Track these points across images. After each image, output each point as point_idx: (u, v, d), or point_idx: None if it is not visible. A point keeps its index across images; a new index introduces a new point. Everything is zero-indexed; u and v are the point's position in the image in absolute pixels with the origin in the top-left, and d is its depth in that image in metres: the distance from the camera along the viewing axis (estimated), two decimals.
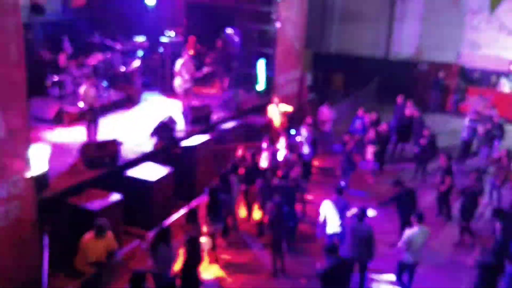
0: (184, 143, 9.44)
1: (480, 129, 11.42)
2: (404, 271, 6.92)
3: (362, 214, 6.67)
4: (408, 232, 6.72)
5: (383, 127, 11.09)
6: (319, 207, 9.18)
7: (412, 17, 17.42)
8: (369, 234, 6.62)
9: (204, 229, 7.28)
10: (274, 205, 7.24)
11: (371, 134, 10.82)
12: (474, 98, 14.16)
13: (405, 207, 7.80)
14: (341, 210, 7.26)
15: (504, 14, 14.77)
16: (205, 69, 12.03)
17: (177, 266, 6.27)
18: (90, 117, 8.98)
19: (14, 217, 6.12)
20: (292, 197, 8.08)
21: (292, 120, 12.00)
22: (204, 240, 7.18)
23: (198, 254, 6.39)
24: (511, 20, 15.27)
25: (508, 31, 15.38)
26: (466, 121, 11.77)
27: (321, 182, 10.48)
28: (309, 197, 9.57)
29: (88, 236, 6.11)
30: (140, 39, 12.58)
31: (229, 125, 10.65)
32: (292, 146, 10.10)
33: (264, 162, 9.26)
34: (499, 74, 16.07)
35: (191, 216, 6.97)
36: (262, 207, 8.34)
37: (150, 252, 6.21)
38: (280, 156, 9.63)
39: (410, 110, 12.08)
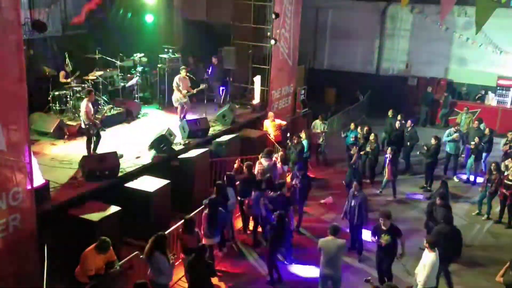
0: (182, 156, 9.58)
1: (470, 142, 11.72)
2: None
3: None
4: (431, 261, 6.52)
5: (371, 138, 11.39)
6: (313, 218, 9.42)
7: (401, 34, 17.96)
8: None
9: (202, 241, 7.31)
10: (277, 217, 7.37)
11: (371, 146, 11.13)
12: (460, 113, 14.61)
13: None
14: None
15: (490, 31, 15.24)
16: (202, 85, 12.29)
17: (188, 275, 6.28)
18: (90, 131, 9.09)
19: (14, 229, 6.11)
20: (286, 209, 8.21)
21: (286, 134, 12.25)
22: None
23: (207, 263, 6.42)
24: (497, 37, 15.78)
25: (494, 47, 15.87)
26: (451, 135, 12.02)
27: (315, 194, 10.63)
28: (304, 208, 9.71)
29: (89, 249, 6.16)
30: (139, 55, 12.84)
31: (225, 138, 10.80)
32: (286, 159, 10.31)
33: (259, 174, 9.39)
34: (486, 89, 16.57)
35: (188, 226, 7.00)
36: (257, 219, 8.53)
37: (147, 261, 6.23)
38: (275, 168, 9.81)
39: (400, 123, 12.41)
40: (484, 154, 12.08)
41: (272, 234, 7.44)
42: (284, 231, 7.52)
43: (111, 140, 10.08)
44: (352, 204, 8.28)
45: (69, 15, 12.45)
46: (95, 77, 11.37)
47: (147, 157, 9.46)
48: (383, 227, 7.08)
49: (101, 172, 8.24)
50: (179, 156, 9.61)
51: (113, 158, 8.53)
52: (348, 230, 8.55)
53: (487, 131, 12.15)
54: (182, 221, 7.15)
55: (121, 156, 9.10)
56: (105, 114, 10.06)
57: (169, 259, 6.29)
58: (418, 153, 12.00)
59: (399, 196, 10.94)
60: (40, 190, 6.97)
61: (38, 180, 7.00)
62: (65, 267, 6.65)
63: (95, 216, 7.12)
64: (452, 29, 16.33)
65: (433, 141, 11.15)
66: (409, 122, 12.28)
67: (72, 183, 8.11)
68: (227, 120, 11.80)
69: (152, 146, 9.63)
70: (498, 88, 16.39)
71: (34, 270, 6.40)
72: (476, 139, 11.63)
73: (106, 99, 11.47)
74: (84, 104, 9.05)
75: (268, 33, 13.03)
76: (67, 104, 10.86)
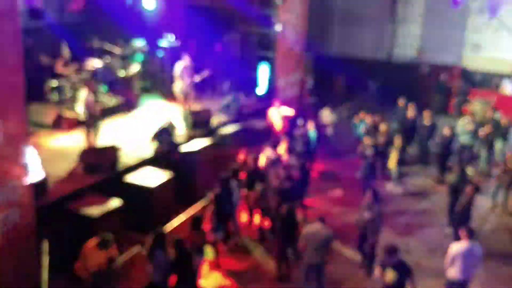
0: (184, 148, 9.44)
1: (481, 132, 11.33)
2: None
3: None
4: (454, 248, 6.22)
5: (382, 128, 10.99)
6: (320, 211, 9.15)
7: (413, 19, 17.41)
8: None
9: (208, 236, 7.25)
10: (285, 210, 7.16)
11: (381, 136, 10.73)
12: (475, 101, 14.18)
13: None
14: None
15: (506, 16, 14.72)
16: (205, 73, 12.00)
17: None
18: (89, 122, 8.94)
19: (12, 223, 6.09)
20: (292, 201, 7.91)
21: (293, 124, 11.96)
22: (207, 248, 7.15)
23: (188, 261, 6.21)
24: None
25: (510, 33, 15.31)
26: (462, 124, 11.66)
27: (323, 186, 10.40)
28: (310, 201, 9.50)
29: (91, 244, 6.11)
30: (139, 43, 12.60)
31: (229, 129, 10.66)
32: (291, 150, 10.03)
33: (265, 166, 9.15)
34: (501, 76, 16.04)
35: (196, 223, 6.94)
36: (263, 212, 8.30)
37: (148, 258, 6.16)
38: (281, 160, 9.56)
39: (412, 112, 12.02)
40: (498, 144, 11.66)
41: (281, 227, 7.23)
42: (294, 224, 7.29)
43: (111, 131, 9.92)
44: (367, 216, 7.26)
45: (66, 2, 12.20)
46: (94, 66, 11.14)
47: (149, 149, 9.30)
48: (388, 260, 5.93)
49: (100, 165, 8.14)
50: (182, 148, 9.45)
51: (113, 150, 8.44)
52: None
53: (503, 120, 11.71)
54: (185, 214, 7.02)
55: (121, 148, 8.89)
56: (105, 105, 9.94)
57: (169, 255, 6.17)
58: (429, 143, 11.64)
59: (411, 188, 10.65)
60: (39, 184, 6.93)
61: (37, 173, 6.93)
62: (65, 262, 6.57)
63: (95, 210, 7.07)
64: (466, 14, 15.79)
65: (446, 131, 10.76)
66: (429, 113, 11.83)
67: (71, 176, 8.02)
68: (231, 110, 11.57)
69: (154, 137, 9.45)
70: None
71: (33, 265, 6.41)
72: (487, 128, 11.24)
73: (105, 89, 11.24)
74: (83, 94, 8.94)
75: (274, 19, 12.65)
76: (66, 95, 10.66)
